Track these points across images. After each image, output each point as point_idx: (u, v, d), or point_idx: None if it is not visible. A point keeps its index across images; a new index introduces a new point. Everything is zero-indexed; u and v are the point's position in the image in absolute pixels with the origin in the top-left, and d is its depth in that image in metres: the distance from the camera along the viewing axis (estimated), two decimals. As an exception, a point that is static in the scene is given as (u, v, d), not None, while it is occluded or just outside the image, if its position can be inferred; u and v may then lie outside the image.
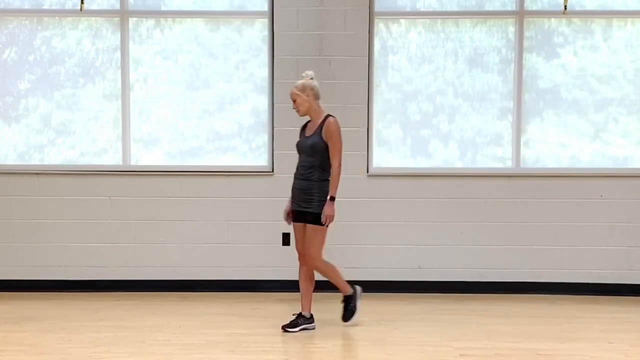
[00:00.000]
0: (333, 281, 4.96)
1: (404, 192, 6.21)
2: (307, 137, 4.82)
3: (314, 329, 4.89)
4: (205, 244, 6.23)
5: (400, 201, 6.21)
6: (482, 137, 6.30)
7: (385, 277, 6.23)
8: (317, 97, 4.82)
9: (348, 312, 5.01)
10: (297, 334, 4.80)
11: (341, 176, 6.11)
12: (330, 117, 4.79)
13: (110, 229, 6.23)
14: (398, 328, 4.97)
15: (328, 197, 4.73)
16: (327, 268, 4.89)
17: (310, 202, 4.74)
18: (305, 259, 4.83)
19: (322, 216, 4.71)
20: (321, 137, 4.74)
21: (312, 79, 4.83)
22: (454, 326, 5.02)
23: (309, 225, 4.77)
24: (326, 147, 4.73)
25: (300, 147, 4.86)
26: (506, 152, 6.29)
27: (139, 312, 5.46)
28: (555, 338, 4.72)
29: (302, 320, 4.89)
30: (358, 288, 5.05)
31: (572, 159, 6.30)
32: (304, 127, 4.93)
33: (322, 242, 4.79)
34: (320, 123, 4.78)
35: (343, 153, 4.70)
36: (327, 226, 4.76)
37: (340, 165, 4.75)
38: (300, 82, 4.82)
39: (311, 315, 4.92)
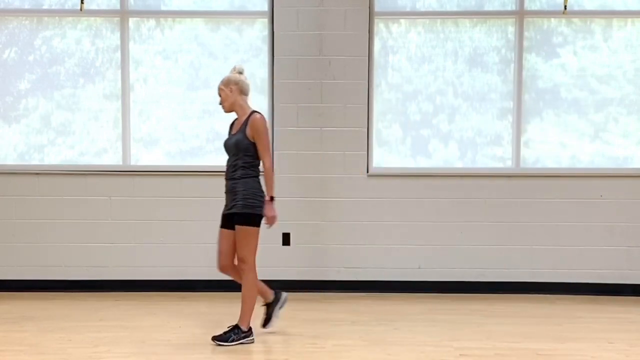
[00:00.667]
0: (243, 303, 4.48)
1: (404, 192, 6.21)
2: (232, 135, 4.53)
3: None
4: (205, 244, 6.22)
5: (400, 201, 6.21)
6: (482, 137, 6.30)
7: (385, 277, 6.23)
8: (242, 92, 4.50)
9: (223, 336, 4.48)
10: (297, 334, 4.79)
11: (344, 175, 6.16)
12: (255, 113, 4.47)
13: (110, 229, 6.23)
14: (398, 328, 4.96)
15: (267, 198, 4.43)
16: (253, 286, 4.48)
17: (234, 201, 4.43)
18: (238, 264, 4.48)
19: (264, 218, 4.43)
20: (245, 135, 4.42)
21: (240, 73, 4.53)
22: (454, 326, 5.02)
23: (237, 227, 4.41)
24: (251, 145, 4.42)
25: (225, 146, 4.56)
26: (506, 152, 6.29)
27: (139, 312, 5.46)
28: (555, 338, 4.71)
29: (272, 308, 4.79)
30: (253, 337, 4.53)
31: (572, 159, 6.30)
32: (232, 125, 4.65)
33: (254, 245, 4.44)
34: (245, 120, 4.46)
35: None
36: (258, 226, 4.43)
37: (271, 162, 4.46)
38: (226, 76, 4.54)
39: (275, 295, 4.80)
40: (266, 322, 4.77)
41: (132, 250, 6.25)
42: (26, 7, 6.29)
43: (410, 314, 5.44)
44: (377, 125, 6.28)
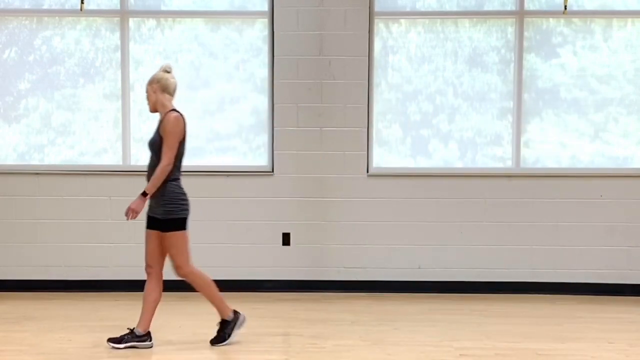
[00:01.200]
0: (208, 298, 4.47)
1: (404, 192, 6.20)
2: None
3: (150, 347, 4.42)
4: (205, 244, 6.20)
5: (400, 201, 6.21)
6: (482, 137, 6.30)
7: (385, 277, 6.22)
8: (164, 90, 4.34)
9: (219, 338, 4.48)
10: (297, 334, 4.79)
11: (344, 175, 6.12)
12: (171, 112, 4.30)
13: (110, 229, 6.22)
14: (398, 328, 4.96)
15: (141, 191, 4.28)
16: (201, 279, 4.45)
17: (157, 206, 4.33)
18: (176, 271, 4.45)
19: (126, 210, 4.30)
20: (159, 134, 4.29)
21: (166, 71, 4.39)
22: (454, 326, 5.02)
23: (163, 235, 4.34)
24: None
25: (148, 146, 4.43)
26: (506, 152, 6.29)
27: (139, 312, 5.43)
28: (555, 338, 4.72)
29: (129, 337, 4.40)
30: (242, 316, 4.54)
31: (572, 159, 6.30)
32: None
33: (185, 248, 4.37)
34: (162, 119, 4.33)
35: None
36: (184, 229, 4.33)
37: (168, 164, 4.23)
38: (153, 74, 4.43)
39: (148, 332, 4.45)
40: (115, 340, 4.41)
41: (132, 250, 6.22)
42: (26, 7, 6.29)
43: (410, 314, 5.44)
44: (377, 125, 6.27)
